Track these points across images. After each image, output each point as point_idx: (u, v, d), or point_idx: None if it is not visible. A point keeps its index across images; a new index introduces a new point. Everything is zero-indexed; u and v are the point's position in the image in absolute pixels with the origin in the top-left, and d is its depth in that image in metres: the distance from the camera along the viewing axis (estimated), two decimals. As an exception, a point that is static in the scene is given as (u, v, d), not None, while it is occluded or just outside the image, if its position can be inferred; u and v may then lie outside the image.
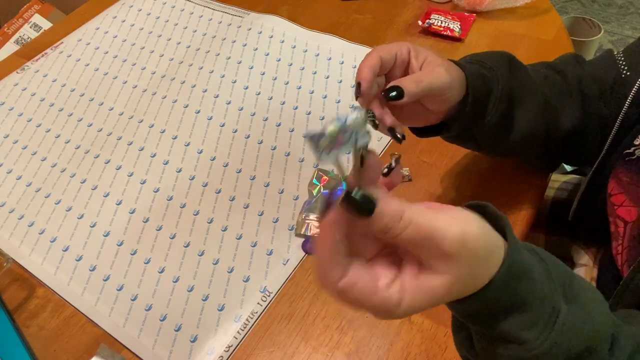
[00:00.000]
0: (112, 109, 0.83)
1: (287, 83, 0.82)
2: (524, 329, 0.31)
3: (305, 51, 0.87)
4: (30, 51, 0.99)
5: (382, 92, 0.42)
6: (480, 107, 0.48)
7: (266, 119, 0.77)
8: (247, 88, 0.82)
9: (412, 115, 0.47)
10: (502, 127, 0.51)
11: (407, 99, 0.41)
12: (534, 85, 0.53)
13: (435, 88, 0.43)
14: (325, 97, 0.78)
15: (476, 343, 0.35)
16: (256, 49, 0.89)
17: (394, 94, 0.41)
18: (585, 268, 0.63)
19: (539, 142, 0.55)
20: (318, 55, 0.86)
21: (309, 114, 0.76)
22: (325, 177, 0.66)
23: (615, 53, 0.57)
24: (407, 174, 0.65)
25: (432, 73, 0.43)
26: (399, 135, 0.43)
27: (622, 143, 0.52)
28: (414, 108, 0.46)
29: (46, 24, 1.39)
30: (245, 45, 0.90)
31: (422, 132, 0.52)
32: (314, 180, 0.66)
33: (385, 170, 0.35)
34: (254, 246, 0.62)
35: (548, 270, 0.33)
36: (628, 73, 0.55)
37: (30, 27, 1.39)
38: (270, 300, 0.57)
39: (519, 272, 0.31)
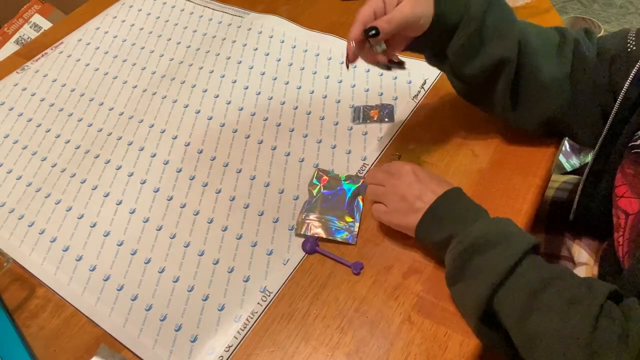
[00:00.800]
0: (112, 109, 0.83)
1: (287, 83, 0.82)
2: (454, 229, 0.51)
3: (305, 51, 0.87)
4: (30, 51, 0.99)
5: (363, 31, 0.54)
6: (449, 30, 0.56)
7: (266, 119, 0.77)
8: (247, 88, 0.82)
9: (398, 42, 0.58)
10: (471, 48, 0.56)
11: (382, 36, 0.53)
12: (510, 24, 0.57)
13: (407, 22, 0.53)
14: (325, 97, 0.78)
15: None
16: (256, 49, 0.89)
17: (372, 32, 0.53)
18: (586, 267, 0.63)
19: (502, 79, 0.57)
20: (318, 55, 0.86)
21: (309, 114, 0.76)
22: (325, 177, 0.66)
23: (629, 32, 0.57)
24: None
25: (401, 11, 0.53)
26: (395, 60, 0.59)
27: (625, 130, 0.53)
28: (397, 37, 0.57)
29: (46, 24, 1.39)
30: (245, 45, 0.90)
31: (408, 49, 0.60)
32: (314, 180, 0.66)
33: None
34: (254, 246, 0.62)
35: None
36: (634, 48, 0.55)
37: (30, 27, 1.39)
38: (270, 300, 0.57)
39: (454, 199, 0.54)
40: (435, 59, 0.61)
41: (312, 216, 0.62)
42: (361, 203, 0.63)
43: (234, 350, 0.54)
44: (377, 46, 0.55)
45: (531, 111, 0.60)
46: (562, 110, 0.58)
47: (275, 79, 0.83)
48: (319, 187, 0.66)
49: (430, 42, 0.57)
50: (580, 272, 0.63)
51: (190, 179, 0.70)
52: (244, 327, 0.55)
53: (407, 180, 0.56)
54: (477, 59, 0.57)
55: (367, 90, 0.78)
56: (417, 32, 0.55)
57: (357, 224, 0.61)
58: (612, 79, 0.55)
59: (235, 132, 0.76)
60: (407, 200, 0.54)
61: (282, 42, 0.89)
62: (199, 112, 0.80)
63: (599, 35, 0.60)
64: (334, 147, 0.71)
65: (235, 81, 0.84)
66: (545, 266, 0.47)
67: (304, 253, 0.60)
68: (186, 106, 0.81)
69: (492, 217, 0.52)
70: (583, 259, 0.64)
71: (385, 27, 0.53)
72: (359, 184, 0.65)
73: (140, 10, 1.03)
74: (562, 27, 0.60)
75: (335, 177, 0.66)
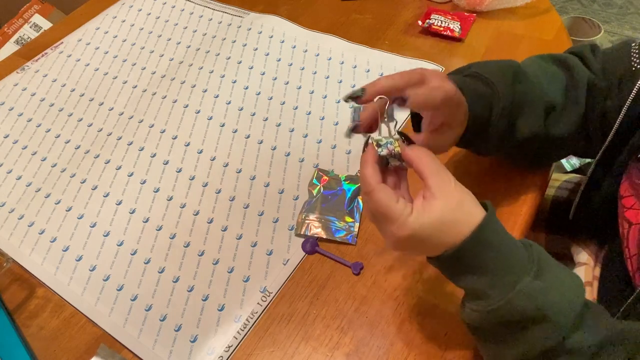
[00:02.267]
0: (112, 109, 0.83)
1: (287, 83, 0.82)
2: (485, 288, 0.41)
3: (305, 51, 0.87)
4: (30, 51, 0.99)
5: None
6: (481, 125, 0.51)
7: (266, 119, 0.77)
8: (247, 88, 0.82)
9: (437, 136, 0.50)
10: (503, 136, 0.53)
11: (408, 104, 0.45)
12: (536, 94, 0.54)
13: (436, 103, 0.45)
14: (325, 97, 0.78)
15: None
16: (256, 49, 0.89)
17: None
18: (586, 267, 0.63)
19: (537, 145, 0.55)
20: (318, 55, 0.86)
21: (309, 114, 0.76)
22: (325, 177, 0.66)
23: (633, 45, 0.55)
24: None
25: (438, 89, 0.45)
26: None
27: (631, 143, 0.52)
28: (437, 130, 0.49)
29: (46, 24, 1.39)
30: (245, 45, 0.90)
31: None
32: (314, 180, 0.66)
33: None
34: (254, 246, 0.62)
35: (529, 255, 0.41)
36: (638, 67, 0.53)
37: (30, 27, 1.39)
38: (270, 300, 0.57)
39: (487, 241, 0.41)
40: (469, 147, 0.56)
41: (312, 216, 0.62)
42: (361, 203, 0.63)
43: (233, 350, 0.53)
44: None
45: (549, 157, 0.61)
46: (575, 144, 0.58)
47: (275, 79, 0.83)
48: (319, 187, 0.66)
49: (465, 140, 0.51)
50: (580, 272, 0.63)
51: (190, 179, 0.70)
52: (244, 327, 0.55)
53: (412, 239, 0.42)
54: (510, 143, 0.54)
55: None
56: (461, 111, 0.48)
57: (357, 224, 0.61)
58: (619, 101, 0.53)
59: (235, 132, 0.76)
60: (424, 249, 0.43)
61: (282, 42, 0.89)
62: (199, 112, 0.80)
63: (603, 48, 0.59)
64: (334, 147, 0.71)
65: (235, 81, 0.84)
66: (596, 330, 0.40)
67: (304, 253, 0.60)
68: (186, 106, 0.81)
69: (531, 258, 0.41)
70: (583, 259, 0.64)
71: (420, 104, 0.45)
72: (359, 184, 0.65)
73: (140, 10, 1.03)
74: (565, 58, 0.57)
75: (335, 177, 0.66)
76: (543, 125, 0.54)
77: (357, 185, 0.65)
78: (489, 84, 0.52)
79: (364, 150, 0.45)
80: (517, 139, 0.54)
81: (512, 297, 0.40)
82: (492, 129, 0.52)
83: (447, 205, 0.41)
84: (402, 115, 0.69)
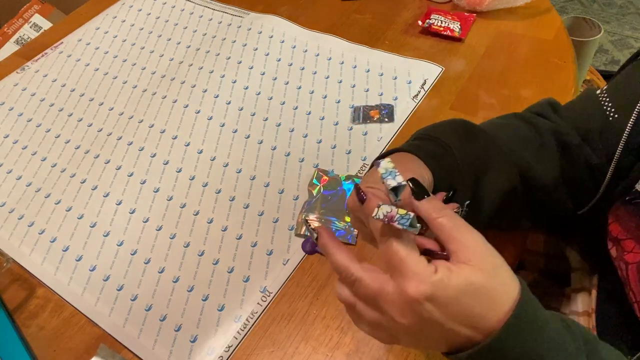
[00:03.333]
0: (112, 109, 0.83)
1: (287, 83, 0.82)
2: None
3: (305, 51, 0.87)
4: (30, 51, 0.99)
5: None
6: (449, 190, 0.45)
7: (266, 119, 0.77)
8: (247, 88, 0.82)
9: None
10: (474, 199, 0.47)
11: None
12: (495, 148, 0.49)
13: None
14: (325, 97, 0.78)
15: None
16: (256, 49, 0.89)
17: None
18: (581, 272, 0.62)
19: (516, 204, 0.51)
20: (318, 55, 0.86)
21: (309, 114, 0.76)
22: (325, 177, 0.66)
23: (598, 92, 0.52)
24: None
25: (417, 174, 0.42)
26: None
27: (619, 187, 0.50)
28: None
29: (46, 24, 1.39)
30: (245, 45, 0.90)
31: None
32: (314, 180, 0.66)
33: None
34: (254, 246, 0.62)
35: (573, 333, 0.33)
36: (616, 116, 0.50)
37: (30, 27, 1.39)
38: (270, 300, 0.57)
39: (533, 321, 0.31)
40: None
41: (312, 216, 0.62)
42: None
43: (233, 350, 0.53)
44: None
45: (545, 212, 0.54)
46: (561, 200, 0.54)
47: (275, 79, 0.83)
48: (319, 187, 0.66)
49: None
50: (575, 277, 0.62)
51: (190, 179, 0.70)
52: (244, 327, 0.55)
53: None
54: (484, 206, 0.48)
55: (367, 90, 0.78)
56: None
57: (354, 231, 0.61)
58: (605, 155, 0.50)
59: (235, 132, 0.76)
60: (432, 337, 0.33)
61: (282, 42, 0.89)
62: (199, 112, 0.80)
63: (565, 104, 0.55)
64: (334, 147, 0.71)
65: (235, 81, 0.84)
66: None
67: (304, 253, 0.60)
68: (186, 106, 0.81)
69: (570, 332, 0.34)
70: (576, 264, 0.64)
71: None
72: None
73: (140, 10, 1.03)
74: (526, 116, 0.54)
75: (335, 177, 0.66)
76: (515, 179, 0.48)
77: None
78: (440, 143, 0.47)
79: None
80: (490, 198, 0.47)
81: None
82: (459, 191, 0.45)
83: (481, 270, 0.31)
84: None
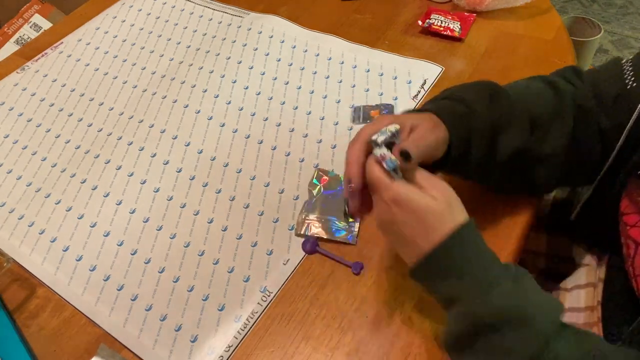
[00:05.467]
0: (112, 109, 0.83)
1: (287, 83, 0.82)
2: (464, 290, 0.41)
3: (305, 51, 0.87)
4: (30, 51, 0.99)
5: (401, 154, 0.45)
6: (464, 148, 0.50)
7: (266, 119, 0.77)
8: (247, 88, 0.82)
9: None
10: (487, 157, 0.51)
11: (414, 161, 0.45)
12: (518, 109, 0.52)
13: (426, 151, 0.47)
14: (325, 97, 0.78)
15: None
16: (256, 49, 0.89)
17: (405, 155, 0.44)
18: (588, 268, 0.62)
19: (525, 166, 0.53)
20: (318, 55, 0.86)
21: (309, 114, 0.76)
22: (325, 177, 0.66)
23: (624, 61, 0.54)
24: None
25: (424, 139, 0.46)
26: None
27: (632, 160, 0.50)
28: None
29: (46, 24, 1.39)
30: (245, 45, 0.90)
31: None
32: (314, 180, 0.66)
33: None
34: (254, 246, 0.62)
35: (507, 265, 0.43)
36: (634, 84, 0.51)
37: (30, 27, 1.39)
38: (271, 300, 0.57)
39: (469, 241, 0.42)
40: (456, 173, 0.55)
41: (312, 216, 0.62)
42: None
43: (234, 350, 0.54)
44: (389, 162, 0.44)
45: (539, 180, 0.56)
46: (565, 168, 0.55)
47: (275, 79, 0.83)
48: (319, 187, 0.66)
49: (449, 164, 0.50)
50: (582, 273, 0.62)
51: (190, 179, 0.70)
52: (244, 327, 0.55)
53: (403, 209, 0.43)
54: (495, 164, 0.52)
55: (367, 90, 0.78)
56: (436, 157, 0.49)
57: (357, 224, 0.61)
58: (616, 121, 0.52)
59: (235, 132, 0.76)
60: (403, 224, 0.43)
61: (282, 42, 0.89)
62: (199, 112, 0.80)
63: (592, 69, 0.58)
64: (334, 147, 0.71)
65: (235, 81, 0.84)
66: (578, 346, 0.39)
67: (304, 253, 0.60)
68: (186, 106, 0.81)
69: (506, 267, 0.42)
70: (585, 261, 0.64)
71: (414, 152, 0.44)
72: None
73: (140, 10, 1.03)
74: (550, 79, 0.56)
75: (335, 177, 0.66)
76: (528, 140, 0.52)
77: None
78: (465, 103, 0.50)
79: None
80: (502, 156, 0.51)
81: (492, 297, 0.40)
82: (474, 149, 0.50)
83: (441, 202, 0.42)
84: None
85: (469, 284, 0.41)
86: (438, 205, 0.42)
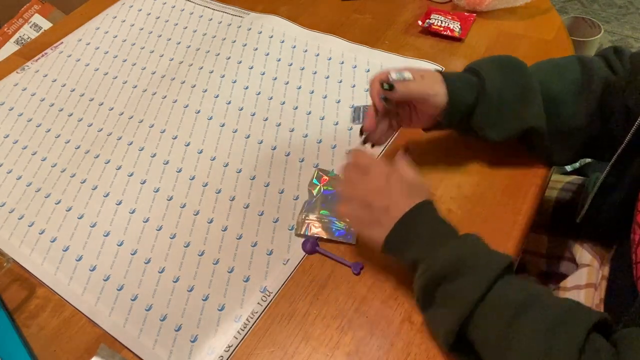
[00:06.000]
0: (112, 109, 0.83)
1: (287, 83, 0.82)
2: (422, 254, 0.48)
3: (305, 51, 0.87)
4: (30, 51, 0.99)
5: (381, 84, 0.56)
6: (468, 107, 0.58)
7: (266, 119, 0.77)
8: (247, 88, 0.82)
9: (420, 119, 0.60)
10: (495, 122, 0.58)
11: (396, 96, 0.56)
12: (530, 84, 0.57)
13: (415, 95, 0.57)
14: (325, 97, 0.78)
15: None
16: (256, 49, 0.89)
17: (386, 86, 0.56)
18: (589, 268, 0.62)
19: (540, 137, 0.58)
20: (318, 55, 0.86)
21: (309, 113, 0.76)
22: (325, 177, 0.66)
23: None
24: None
25: (419, 83, 0.56)
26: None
27: None
28: (412, 112, 0.60)
29: (46, 24, 1.39)
30: (245, 45, 0.90)
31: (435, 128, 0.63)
32: (314, 180, 0.66)
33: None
34: (254, 246, 0.62)
35: (461, 234, 0.49)
36: None
37: (30, 27, 1.39)
38: (271, 300, 0.57)
39: (427, 213, 0.51)
40: (463, 132, 0.62)
41: (312, 216, 0.62)
42: None
43: (234, 350, 0.53)
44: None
45: (562, 150, 0.60)
46: (590, 141, 0.58)
47: (275, 79, 0.83)
48: (319, 187, 0.66)
49: (454, 120, 0.58)
50: (583, 273, 0.62)
51: (190, 179, 0.70)
52: (244, 327, 0.55)
53: (376, 184, 0.52)
54: (504, 131, 0.58)
55: (367, 90, 0.78)
56: (435, 109, 0.57)
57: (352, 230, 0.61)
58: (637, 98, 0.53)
59: (235, 132, 0.76)
60: (372, 210, 0.51)
61: (282, 42, 0.89)
62: (199, 112, 0.80)
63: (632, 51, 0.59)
64: (334, 147, 0.71)
65: (235, 81, 0.84)
66: (521, 288, 0.44)
67: (304, 253, 0.60)
68: (186, 106, 0.81)
69: (461, 235, 0.49)
70: (586, 261, 0.64)
71: (401, 90, 0.56)
72: None
73: (140, 10, 1.03)
74: (583, 56, 0.60)
75: (335, 177, 0.66)
76: (543, 115, 0.56)
77: None
78: (478, 74, 0.58)
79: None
80: (512, 129, 0.58)
81: (439, 254, 0.47)
82: (478, 110, 0.57)
83: (407, 175, 0.53)
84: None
85: (424, 247, 0.48)
86: (408, 180, 0.53)
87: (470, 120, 0.58)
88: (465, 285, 0.45)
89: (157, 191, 0.70)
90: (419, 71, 0.57)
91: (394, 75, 0.56)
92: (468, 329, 0.45)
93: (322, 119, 0.75)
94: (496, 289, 0.44)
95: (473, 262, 0.46)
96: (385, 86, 0.55)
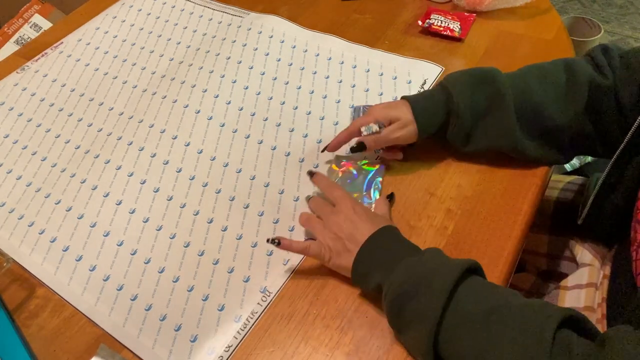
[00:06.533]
0: (112, 109, 0.83)
1: (287, 83, 0.82)
2: (382, 279, 0.49)
3: (305, 51, 0.87)
4: (30, 51, 0.99)
5: (351, 148, 0.64)
6: (440, 129, 0.62)
7: (266, 119, 0.77)
8: (247, 88, 0.82)
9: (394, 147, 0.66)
10: (471, 136, 0.61)
11: (369, 150, 0.64)
12: (502, 96, 0.59)
13: (392, 142, 0.63)
14: (325, 97, 0.78)
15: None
16: (256, 49, 0.89)
17: (356, 147, 0.63)
18: (590, 268, 0.62)
19: (511, 145, 0.60)
20: (318, 55, 0.86)
21: (309, 114, 0.76)
22: (344, 163, 0.68)
23: None
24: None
25: (386, 136, 0.62)
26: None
27: None
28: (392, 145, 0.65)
29: (46, 24, 1.39)
30: (245, 45, 0.90)
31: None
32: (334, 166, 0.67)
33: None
34: (254, 246, 0.62)
35: (418, 249, 0.52)
36: None
37: (30, 27, 1.39)
38: (270, 300, 0.57)
39: (387, 236, 0.53)
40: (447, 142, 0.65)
41: (343, 161, 0.67)
42: (380, 184, 0.65)
43: (233, 350, 0.53)
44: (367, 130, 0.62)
45: (549, 147, 0.61)
46: (579, 138, 0.59)
47: (275, 79, 0.83)
48: (337, 171, 0.67)
49: (430, 137, 0.63)
50: (584, 273, 0.62)
51: (190, 179, 0.70)
52: (244, 327, 0.55)
53: (343, 216, 0.55)
54: (475, 146, 0.62)
55: (367, 90, 0.78)
56: (408, 139, 0.62)
57: (372, 205, 0.62)
58: (634, 96, 0.54)
59: (235, 132, 0.76)
60: (342, 240, 0.54)
61: (282, 42, 0.89)
62: (199, 112, 0.80)
63: (624, 49, 0.60)
64: (334, 147, 0.71)
65: (235, 81, 0.84)
66: (483, 296, 0.44)
67: (304, 253, 0.60)
68: (186, 106, 0.81)
69: (419, 250, 0.51)
70: (587, 260, 0.64)
71: (372, 145, 0.62)
72: (377, 167, 0.67)
73: (140, 10, 1.03)
74: (570, 58, 0.61)
75: (354, 164, 0.68)
76: (513, 128, 0.58)
77: (376, 168, 0.66)
78: (447, 91, 0.60)
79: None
80: (485, 139, 0.61)
81: (394, 276, 0.47)
82: (451, 132, 0.61)
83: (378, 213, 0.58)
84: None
85: (384, 270, 0.49)
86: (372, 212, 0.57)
87: (446, 135, 0.63)
88: (425, 301, 0.44)
89: (157, 191, 0.70)
90: (386, 108, 0.62)
91: (364, 131, 0.62)
92: (440, 347, 0.44)
93: (322, 119, 0.75)
94: (457, 300, 0.44)
95: (427, 278, 0.45)
96: (354, 148, 0.63)
